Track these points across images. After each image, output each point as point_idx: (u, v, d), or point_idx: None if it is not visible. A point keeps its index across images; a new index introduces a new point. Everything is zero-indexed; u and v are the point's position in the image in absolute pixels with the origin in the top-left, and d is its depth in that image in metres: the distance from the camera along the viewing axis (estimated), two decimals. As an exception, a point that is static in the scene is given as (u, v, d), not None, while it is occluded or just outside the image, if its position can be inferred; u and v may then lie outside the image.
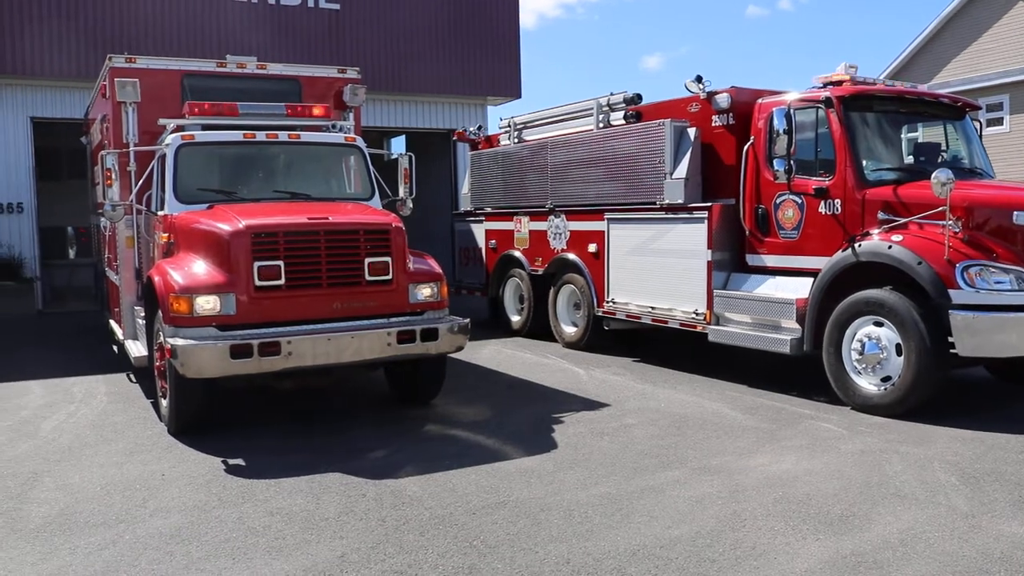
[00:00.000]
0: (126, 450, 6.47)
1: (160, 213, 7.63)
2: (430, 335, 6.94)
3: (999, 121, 22.07)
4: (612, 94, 10.44)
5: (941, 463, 5.79)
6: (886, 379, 7.13)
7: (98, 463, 6.13)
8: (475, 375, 9.38)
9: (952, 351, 6.80)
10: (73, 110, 15.84)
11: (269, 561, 4.33)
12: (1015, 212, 6.97)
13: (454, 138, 15.48)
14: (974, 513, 4.86)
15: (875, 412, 7.14)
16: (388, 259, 6.92)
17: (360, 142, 8.40)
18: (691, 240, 8.93)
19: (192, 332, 6.31)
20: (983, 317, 6.62)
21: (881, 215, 7.47)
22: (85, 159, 13.28)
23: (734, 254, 8.79)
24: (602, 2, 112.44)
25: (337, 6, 18.01)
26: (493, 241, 12.65)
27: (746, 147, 8.58)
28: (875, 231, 7.42)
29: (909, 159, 8.47)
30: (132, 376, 9.31)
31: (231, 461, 6.11)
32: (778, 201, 8.29)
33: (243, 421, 7.39)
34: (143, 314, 7.72)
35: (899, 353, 6.99)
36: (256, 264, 6.48)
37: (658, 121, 9.37)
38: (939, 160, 8.38)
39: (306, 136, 8.09)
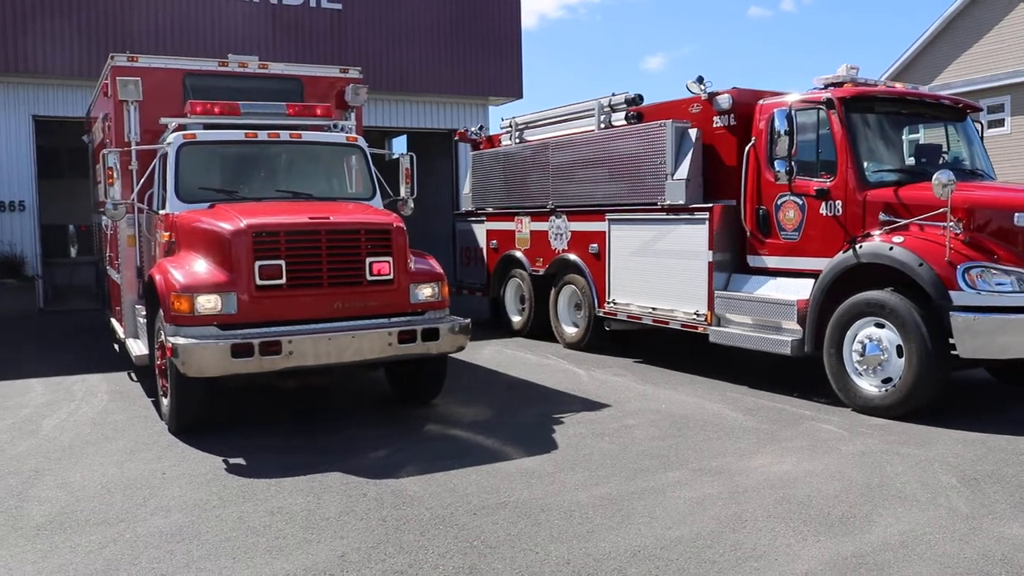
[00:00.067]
0: (127, 449, 6.47)
1: (161, 212, 7.64)
2: (431, 335, 6.94)
3: (1000, 123, 22.06)
4: (613, 95, 10.45)
5: (942, 465, 5.79)
6: (887, 380, 7.13)
7: (99, 461, 6.13)
8: (476, 375, 9.38)
9: (953, 353, 6.80)
10: (75, 108, 15.85)
11: (270, 560, 4.33)
12: (1016, 214, 6.97)
13: (455, 138, 15.50)
14: (975, 515, 4.86)
15: (876, 413, 7.14)
16: (389, 259, 6.92)
17: (362, 142, 8.41)
18: (692, 241, 8.93)
19: (193, 331, 6.32)
20: (984, 319, 6.62)
21: (882, 216, 7.47)
22: (87, 157, 13.28)
23: (735, 255, 8.79)
24: (604, 2, 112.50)
25: (339, 6, 18.01)
26: (494, 241, 12.65)
27: (747, 148, 8.58)
28: (876, 232, 7.42)
29: (910, 160, 8.48)
30: (133, 375, 9.31)
31: (232, 460, 6.11)
32: (779, 202, 8.29)
33: (244, 420, 7.39)
34: (144, 313, 7.72)
35: (900, 355, 6.99)
36: (257, 263, 6.48)
37: (659, 122, 9.37)
38: (940, 161, 8.38)
39: (308, 136, 8.09)
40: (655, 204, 9.38)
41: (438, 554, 4.40)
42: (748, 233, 8.64)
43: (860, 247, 7.40)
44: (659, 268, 9.42)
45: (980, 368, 8.05)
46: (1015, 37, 22.05)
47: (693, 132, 9.12)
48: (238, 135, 7.83)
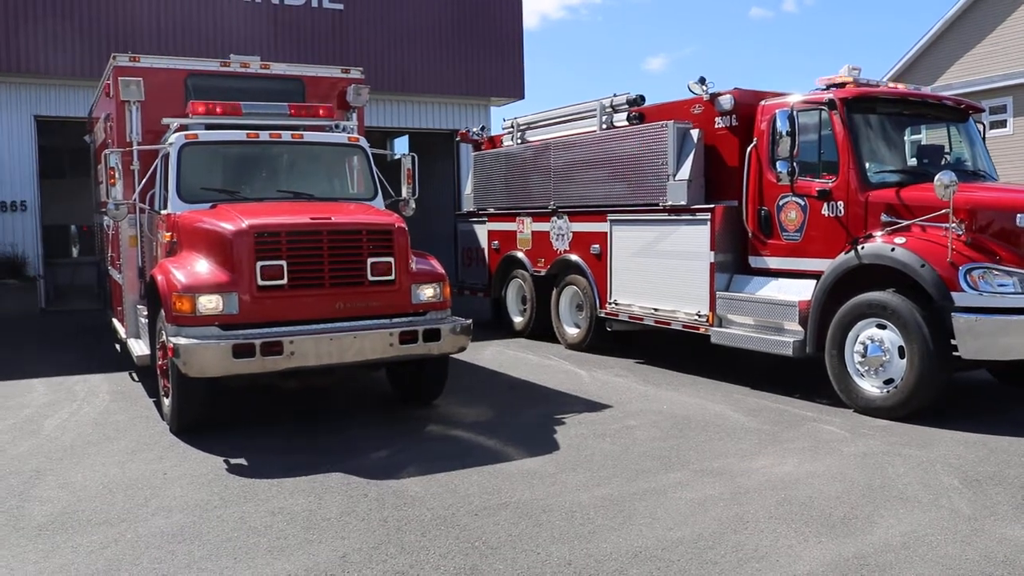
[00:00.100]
0: (128, 449, 6.47)
1: (163, 212, 7.64)
2: (432, 335, 6.94)
3: (1002, 123, 22.05)
4: (615, 95, 10.44)
5: (944, 466, 5.79)
6: (889, 381, 7.12)
7: (100, 462, 6.13)
8: (477, 376, 9.38)
9: (955, 354, 6.79)
10: (77, 108, 15.87)
11: (271, 561, 4.33)
12: (1018, 215, 6.96)
13: (457, 139, 15.52)
14: (977, 516, 4.85)
15: (878, 415, 7.14)
16: (391, 259, 6.92)
17: (363, 142, 8.41)
18: (694, 242, 8.93)
19: (195, 331, 6.32)
20: (986, 320, 6.62)
21: (884, 217, 7.46)
22: (89, 158, 13.29)
23: (737, 256, 8.79)
24: (605, 3, 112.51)
25: (341, 6, 18.02)
26: (496, 242, 12.65)
27: (749, 149, 8.58)
28: (878, 233, 7.41)
29: (912, 161, 8.46)
30: (134, 375, 9.32)
31: (233, 460, 6.11)
32: (781, 203, 8.29)
33: (245, 421, 7.39)
34: (146, 313, 7.73)
35: (902, 356, 6.98)
36: (259, 264, 6.48)
37: (661, 123, 9.36)
38: (942, 162, 8.37)
39: (309, 136, 8.10)
40: (657, 205, 9.38)
41: (439, 555, 4.40)
42: (750, 234, 8.64)
43: (862, 248, 7.40)
44: (661, 269, 9.42)
45: (982, 369, 8.04)
46: (1017, 38, 22.04)
47: (695, 133, 9.12)
48: (240, 135, 7.83)
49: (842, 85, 8.13)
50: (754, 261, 8.65)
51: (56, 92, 16.46)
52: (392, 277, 6.93)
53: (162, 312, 6.71)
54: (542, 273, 11.55)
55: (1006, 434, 6.57)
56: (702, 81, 9.02)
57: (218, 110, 7.89)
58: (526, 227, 11.90)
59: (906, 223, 7.31)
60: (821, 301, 7.65)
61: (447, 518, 4.92)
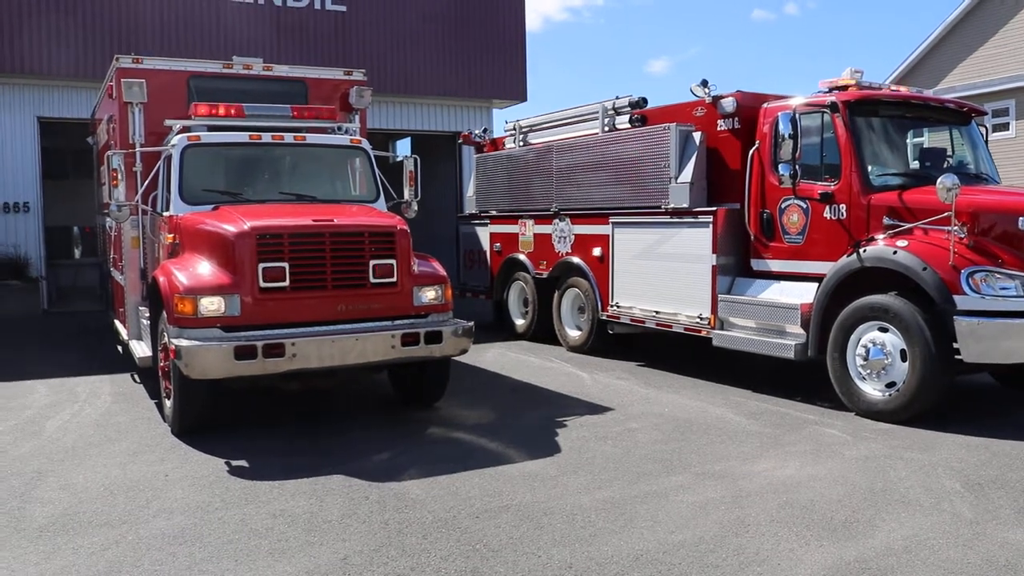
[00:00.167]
0: (130, 450, 6.48)
1: (165, 214, 7.65)
2: (434, 338, 6.94)
3: (1005, 126, 22.03)
4: (617, 98, 10.45)
5: (946, 470, 5.78)
6: (891, 385, 7.11)
7: (102, 463, 6.14)
8: (479, 378, 9.38)
9: (957, 357, 6.79)
10: (80, 110, 15.90)
11: (271, 563, 4.33)
12: (1020, 218, 6.96)
13: (459, 141, 15.53)
14: (979, 520, 4.84)
15: (879, 418, 7.13)
16: (393, 261, 6.92)
17: (366, 144, 8.42)
18: (696, 244, 8.92)
19: (196, 333, 6.32)
20: (988, 323, 6.61)
21: (886, 220, 7.46)
22: (91, 159, 13.32)
23: (739, 259, 8.78)
24: (608, 5, 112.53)
25: (343, 8, 18.05)
26: (498, 244, 12.65)
27: (751, 151, 8.57)
28: (880, 236, 7.41)
29: (915, 164, 8.45)
30: (136, 376, 9.32)
31: (234, 462, 6.11)
32: (783, 206, 8.29)
33: (247, 422, 7.40)
34: (148, 314, 7.74)
35: (904, 359, 6.97)
36: (261, 266, 6.49)
37: (663, 125, 9.36)
38: (945, 165, 8.36)
39: (312, 138, 8.10)
40: (659, 207, 9.37)
41: (440, 557, 4.40)
42: (752, 237, 8.63)
43: (864, 251, 7.39)
44: (663, 271, 9.41)
45: (984, 373, 8.03)
46: (1020, 41, 22.03)
47: (697, 135, 9.12)
48: (242, 137, 7.84)
49: (844, 88, 8.12)
50: (756, 264, 8.64)
51: (59, 93, 16.49)
52: (394, 279, 6.93)
53: (164, 314, 6.71)
54: (544, 275, 11.55)
55: (1008, 438, 6.56)
56: (704, 84, 9.03)
57: (221, 112, 7.89)
58: (528, 229, 11.90)
59: (908, 226, 7.30)
60: (823, 304, 7.65)
61: (448, 520, 4.91)
